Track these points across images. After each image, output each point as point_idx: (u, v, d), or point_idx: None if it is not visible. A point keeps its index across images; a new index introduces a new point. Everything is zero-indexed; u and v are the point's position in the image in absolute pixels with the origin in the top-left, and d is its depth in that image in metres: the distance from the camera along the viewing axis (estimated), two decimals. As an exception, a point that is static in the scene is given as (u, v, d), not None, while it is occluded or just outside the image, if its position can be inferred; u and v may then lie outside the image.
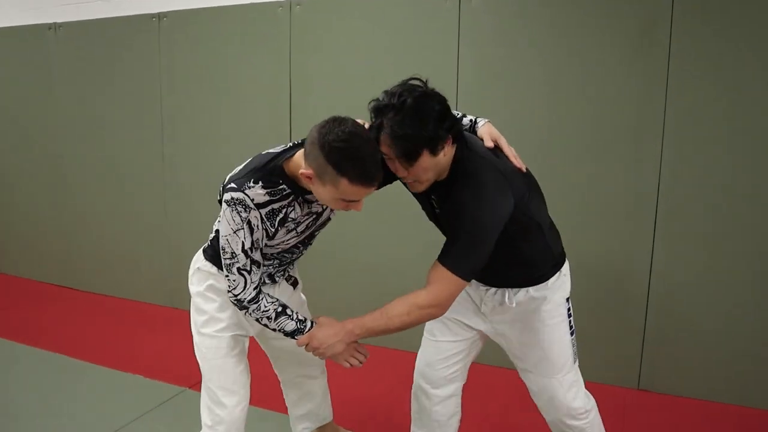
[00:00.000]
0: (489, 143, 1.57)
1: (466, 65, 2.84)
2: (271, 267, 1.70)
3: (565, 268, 1.73)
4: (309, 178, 1.41)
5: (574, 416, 1.71)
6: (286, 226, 1.56)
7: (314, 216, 1.63)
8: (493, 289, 1.70)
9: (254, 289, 1.55)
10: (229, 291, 1.56)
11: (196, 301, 1.74)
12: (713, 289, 2.57)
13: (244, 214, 1.46)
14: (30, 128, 4.21)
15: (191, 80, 3.55)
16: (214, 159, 3.54)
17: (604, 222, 2.70)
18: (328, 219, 1.69)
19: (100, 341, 3.31)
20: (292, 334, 1.60)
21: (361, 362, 1.61)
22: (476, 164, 1.51)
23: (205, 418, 1.74)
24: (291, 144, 1.56)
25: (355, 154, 1.35)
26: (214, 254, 1.69)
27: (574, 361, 1.74)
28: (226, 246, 1.51)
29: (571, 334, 1.72)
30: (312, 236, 1.71)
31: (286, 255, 1.70)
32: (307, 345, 1.59)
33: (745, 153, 2.45)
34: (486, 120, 1.65)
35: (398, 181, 1.71)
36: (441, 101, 1.43)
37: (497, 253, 1.49)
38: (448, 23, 2.83)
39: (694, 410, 2.57)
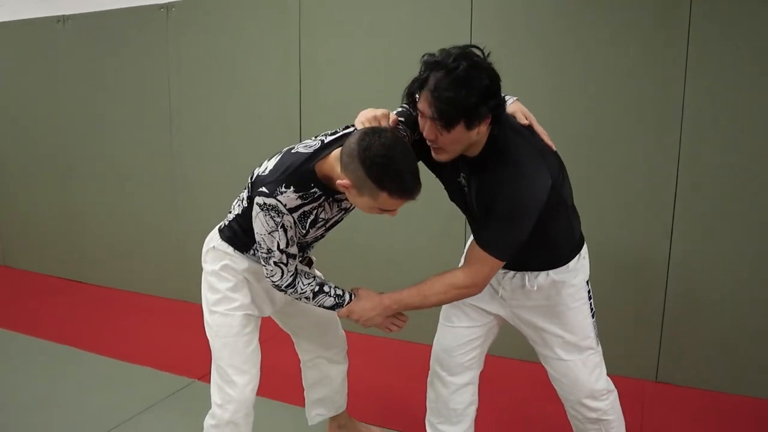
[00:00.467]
0: (523, 121, 1.53)
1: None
2: None
3: (584, 251, 1.70)
4: (346, 187, 1.41)
5: (596, 397, 1.67)
6: (317, 225, 1.59)
7: (344, 211, 1.65)
8: (512, 273, 1.66)
9: (291, 276, 1.59)
10: (267, 277, 1.60)
11: (209, 280, 1.72)
12: (733, 280, 2.52)
13: (277, 219, 1.48)
14: (38, 120, 4.20)
15: (200, 71, 3.52)
16: (223, 151, 3.51)
17: (622, 214, 2.65)
18: (354, 207, 1.68)
19: (108, 333, 3.29)
20: (332, 308, 1.65)
21: (400, 327, 1.67)
22: (513, 142, 1.45)
23: (215, 396, 1.72)
24: (320, 141, 1.52)
25: (395, 169, 1.35)
26: (231, 235, 1.68)
27: (597, 344, 1.70)
28: (262, 243, 1.54)
29: (593, 316, 1.69)
30: (336, 224, 1.70)
31: (311, 242, 1.72)
32: (347, 316, 1.65)
33: (766, 141, 2.39)
34: (515, 98, 1.59)
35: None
36: (492, 77, 1.35)
37: None
38: (459, 12, 2.78)
39: (714, 403, 2.51)
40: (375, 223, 3.10)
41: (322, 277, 1.69)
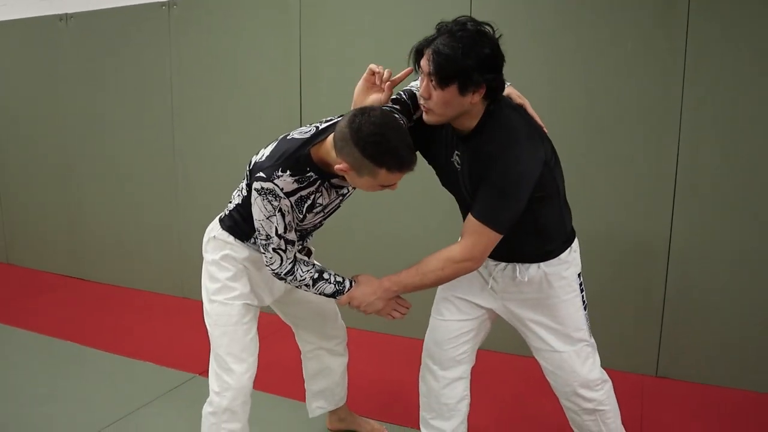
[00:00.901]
0: (518, 101, 1.55)
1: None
2: None
3: (575, 244, 1.70)
4: (345, 171, 1.43)
5: (591, 387, 1.68)
6: (315, 211, 1.60)
7: (341, 197, 1.66)
8: (503, 264, 1.66)
9: (290, 263, 1.60)
10: (266, 265, 1.61)
11: (210, 269, 1.74)
12: (732, 275, 2.52)
13: (275, 203, 1.49)
14: (39, 119, 4.22)
15: (201, 70, 3.53)
16: (224, 149, 3.52)
17: (622, 209, 2.65)
18: (350, 194, 1.71)
19: (110, 330, 3.31)
20: (332, 296, 1.65)
21: (403, 314, 1.66)
22: (507, 115, 1.47)
23: (213, 384, 1.74)
24: (315, 127, 1.55)
25: (390, 145, 1.38)
26: (232, 224, 1.70)
27: (590, 336, 1.70)
28: (260, 229, 1.55)
29: (585, 308, 1.69)
30: (334, 211, 1.72)
31: (310, 229, 1.73)
32: (348, 304, 1.64)
33: (765, 137, 2.39)
34: (509, 82, 1.60)
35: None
36: (494, 50, 1.38)
37: None
38: (459, 11, 2.78)
39: (714, 397, 2.51)
40: (375, 213, 3.13)
41: (322, 266, 1.70)
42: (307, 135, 1.53)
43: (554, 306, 1.65)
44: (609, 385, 1.73)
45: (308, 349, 2.06)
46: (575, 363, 1.66)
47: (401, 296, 1.65)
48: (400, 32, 2.93)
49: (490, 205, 1.46)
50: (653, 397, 2.52)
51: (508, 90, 1.58)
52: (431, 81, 1.39)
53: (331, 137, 1.48)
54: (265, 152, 1.56)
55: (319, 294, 1.64)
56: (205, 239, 1.78)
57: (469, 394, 1.83)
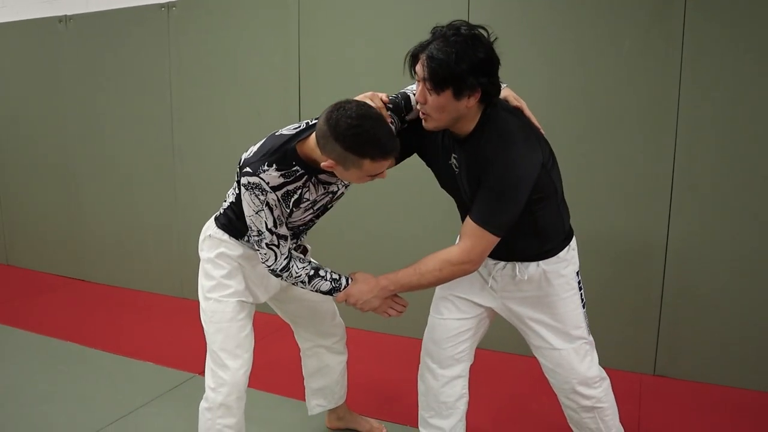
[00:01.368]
0: (515, 103, 1.56)
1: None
2: None
3: (573, 242, 1.72)
4: (332, 167, 1.45)
5: (590, 385, 1.69)
6: (303, 206, 1.60)
7: (331, 194, 1.67)
8: (502, 263, 1.67)
9: (285, 259, 1.61)
10: (262, 262, 1.62)
11: (205, 267, 1.76)
12: (730, 273, 2.53)
13: (262, 197, 1.51)
14: (39, 119, 4.23)
15: (200, 70, 3.54)
16: (224, 149, 3.53)
17: (620, 208, 2.66)
18: (342, 193, 1.72)
19: (109, 330, 3.31)
20: (329, 293, 1.65)
21: (400, 312, 1.66)
22: (504, 118, 1.48)
23: (209, 380, 1.75)
24: (303, 124, 1.57)
25: (370, 136, 1.39)
26: (227, 222, 1.72)
27: (589, 333, 1.71)
28: (252, 225, 1.57)
29: (583, 306, 1.70)
30: (326, 210, 1.72)
31: (301, 227, 1.74)
32: (345, 301, 1.64)
33: (764, 129, 2.40)
34: (505, 84, 1.61)
35: (407, 159, 1.72)
36: (489, 54, 1.39)
37: None
38: (458, 12, 2.80)
39: (712, 396, 2.52)
40: (374, 213, 3.14)
41: (318, 263, 1.70)
42: (295, 131, 1.55)
43: (553, 304, 1.66)
44: (607, 382, 1.74)
45: (307, 347, 2.07)
46: (574, 360, 1.67)
47: (398, 294, 1.65)
48: (399, 32, 2.94)
49: (489, 208, 1.47)
50: (651, 396, 2.52)
51: (505, 92, 1.59)
52: (426, 86, 1.41)
53: (314, 135, 1.49)
54: (254, 148, 1.57)
55: (316, 291, 1.65)
56: (201, 238, 1.79)
57: (467, 392, 1.84)
